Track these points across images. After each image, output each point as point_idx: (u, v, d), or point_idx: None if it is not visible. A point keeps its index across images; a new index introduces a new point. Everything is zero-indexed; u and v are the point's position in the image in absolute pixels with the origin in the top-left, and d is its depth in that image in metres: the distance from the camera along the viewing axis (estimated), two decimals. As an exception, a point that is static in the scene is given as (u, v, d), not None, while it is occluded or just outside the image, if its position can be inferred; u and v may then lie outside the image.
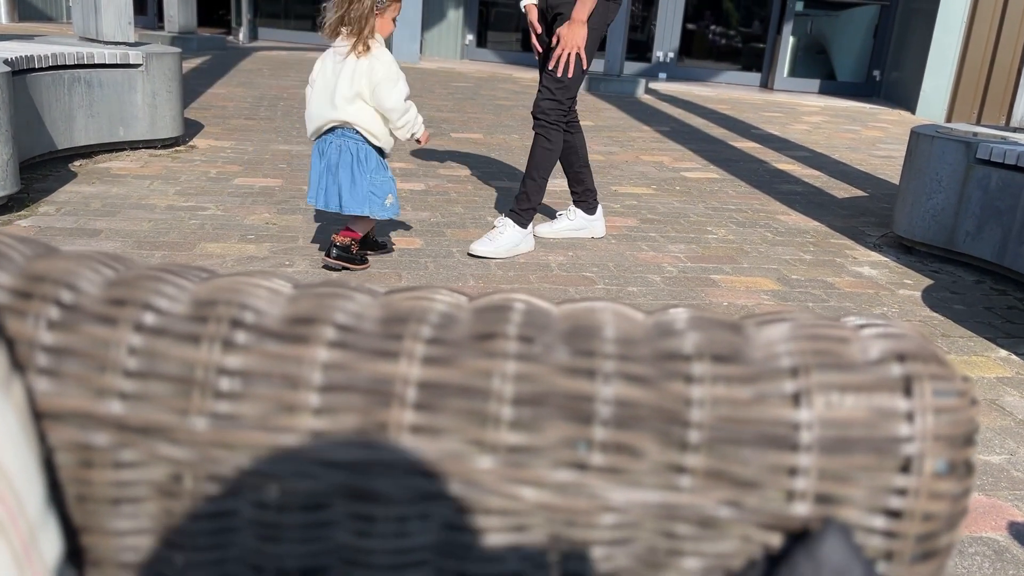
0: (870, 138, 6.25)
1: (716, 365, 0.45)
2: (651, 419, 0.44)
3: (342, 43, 2.59)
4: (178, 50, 4.18)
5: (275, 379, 0.44)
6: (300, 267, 2.76)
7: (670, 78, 8.67)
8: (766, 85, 8.71)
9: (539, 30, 3.04)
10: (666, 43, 8.76)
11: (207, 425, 0.44)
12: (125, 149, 4.02)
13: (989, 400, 2.20)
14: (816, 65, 8.78)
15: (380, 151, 2.68)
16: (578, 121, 3.16)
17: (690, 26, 9.05)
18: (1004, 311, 2.89)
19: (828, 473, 0.44)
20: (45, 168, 3.61)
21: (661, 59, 8.78)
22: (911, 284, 3.10)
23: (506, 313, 0.47)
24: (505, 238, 2.97)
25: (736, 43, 9.33)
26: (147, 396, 0.44)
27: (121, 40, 4.00)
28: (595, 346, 0.45)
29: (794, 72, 8.68)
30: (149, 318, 0.45)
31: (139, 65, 3.90)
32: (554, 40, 2.89)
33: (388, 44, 2.86)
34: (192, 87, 5.82)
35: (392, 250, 2.98)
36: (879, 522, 0.44)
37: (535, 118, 2.97)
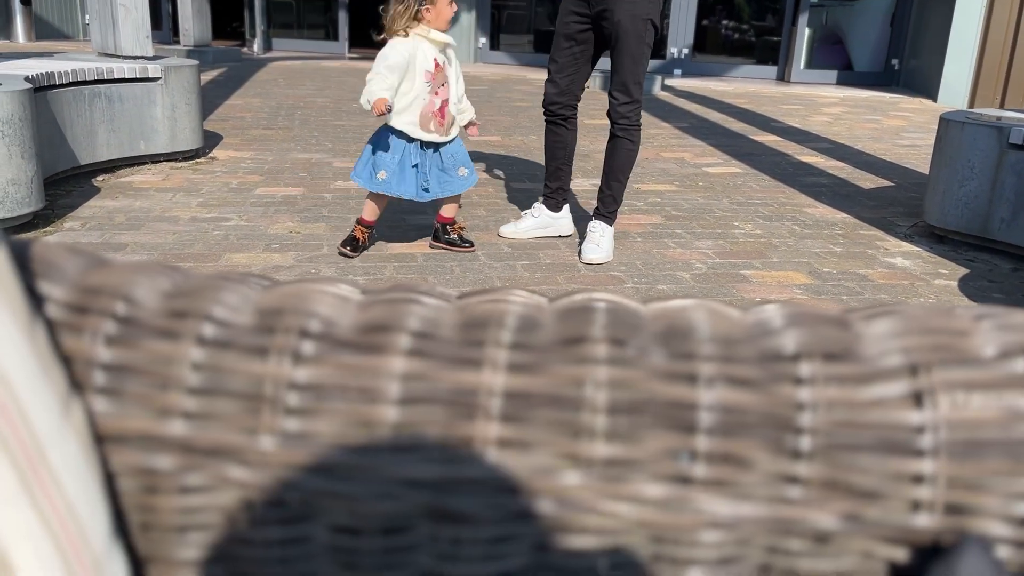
0: (893, 127, 6.16)
1: (826, 364, 0.41)
2: (759, 426, 0.41)
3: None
4: (195, 62, 4.18)
5: (349, 392, 0.41)
6: (327, 275, 2.74)
7: (685, 74, 8.61)
8: (783, 78, 8.63)
9: None
10: (680, 39, 8.70)
11: (277, 444, 0.41)
12: (146, 163, 4.02)
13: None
14: (833, 56, 8.68)
15: (391, 128, 2.74)
16: (576, 118, 3.12)
17: (704, 22, 8.98)
18: (1045, 299, 2.82)
19: (957, 480, 0.40)
20: (68, 184, 3.62)
21: (676, 55, 8.72)
22: (946, 274, 3.03)
23: (592, 314, 0.43)
24: (607, 240, 3.00)
25: (750, 37, 9.25)
26: (213, 415, 0.41)
27: (140, 54, 4.00)
28: (693, 348, 0.42)
29: (811, 64, 8.59)
30: (211, 330, 0.42)
31: (158, 79, 3.91)
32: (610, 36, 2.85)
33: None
34: (209, 99, 5.84)
35: (470, 246, 3.01)
36: (1019, 534, 0.40)
37: (615, 124, 2.93)
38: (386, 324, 0.42)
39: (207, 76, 6.93)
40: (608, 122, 2.99)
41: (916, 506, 0.41)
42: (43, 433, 0.36)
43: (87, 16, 9.13)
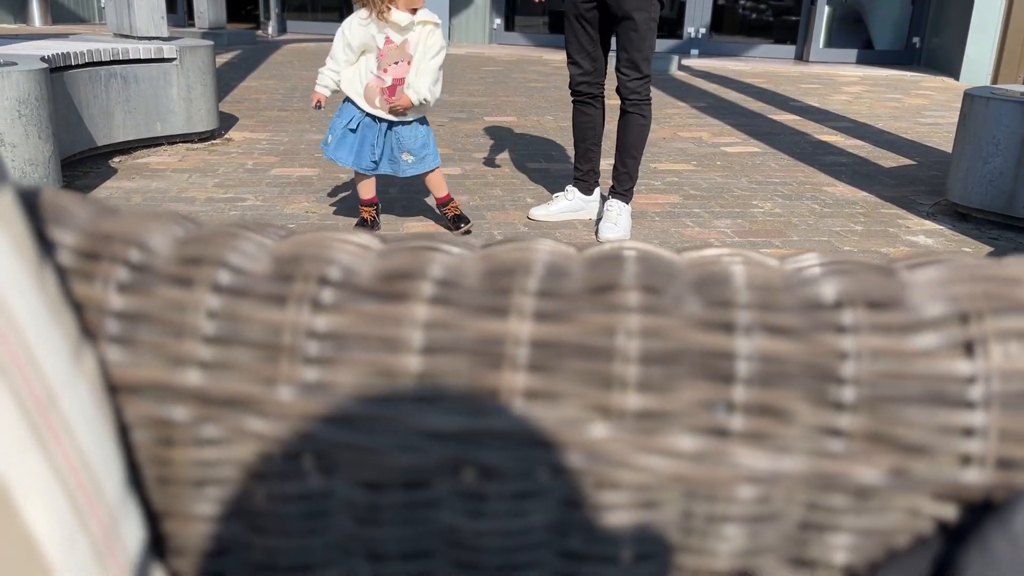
0: (914, 106, 6.07)
1: (870, 312, 0.39)
2: (799, 376, 0.39)
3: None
4: (210, 43, 4.17)
5: (370, 342, 0.39)
6: (342, 254, 2.73)
7: (702, 54, 8.51)
8: (801, 57, 8.52)
9: None
10: (697, 19, 8.59)
11: (296, 395, 0.39)
12: (162, 144, 4.02)
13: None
14: (853, 34, 8.55)
15: (350, 100, 2.77)
16: (603, 97, 3.08)
17: (721, 1, 8.87)
18: (1071, 277, 2.76)
19: (1010, 433, 0.38)
20: (85, 165, 3.62)
21: (693, 35, 8.62)
22: (970, 252, 2.98)
23: (624, 262, 0.41)
24: (624, 218, 2.98)
25: (768, 16, 9.13)
26: (229, 364, 0.39)
27: (155, 35, 3.99)
28: (730, 295, 0.40)
29: (830, 43, 8.47)
30: (227, 278, 0.40)
31: (173, 59, 3.90)
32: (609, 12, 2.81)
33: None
34: (225, 81, 5.83)
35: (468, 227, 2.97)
36: (1077, 487, 0.38)
37: (625, 100, 2.90)
38: (408, 271, 0.41)
39: (222, 58, 6.92)
40: (618, 100, 2.95)
41: (966, 460, 0.39)
42: (54, 380, 0.35)
43: (102, -1, 9.13)
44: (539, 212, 3.15)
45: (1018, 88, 3.52)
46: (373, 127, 2.77)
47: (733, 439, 0.39)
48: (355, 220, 2.96)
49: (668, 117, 5.27)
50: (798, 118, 5.45)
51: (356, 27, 2.68)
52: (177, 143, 4.07)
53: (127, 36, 4.04)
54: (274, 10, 8.93)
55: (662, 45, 8.18)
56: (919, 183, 3.93)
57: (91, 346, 0.38)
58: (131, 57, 3.75)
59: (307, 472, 0.40)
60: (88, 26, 8.78)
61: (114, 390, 0.39)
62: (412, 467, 0.40)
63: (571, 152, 4.29)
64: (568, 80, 3.05)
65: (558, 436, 0.39)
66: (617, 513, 0.40)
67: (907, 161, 4.38)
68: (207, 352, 0.39)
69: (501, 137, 4.52)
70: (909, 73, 7.74)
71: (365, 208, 2.91)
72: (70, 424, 0.35)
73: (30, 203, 0.41)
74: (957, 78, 7.33)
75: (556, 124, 4.88)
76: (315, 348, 0.39)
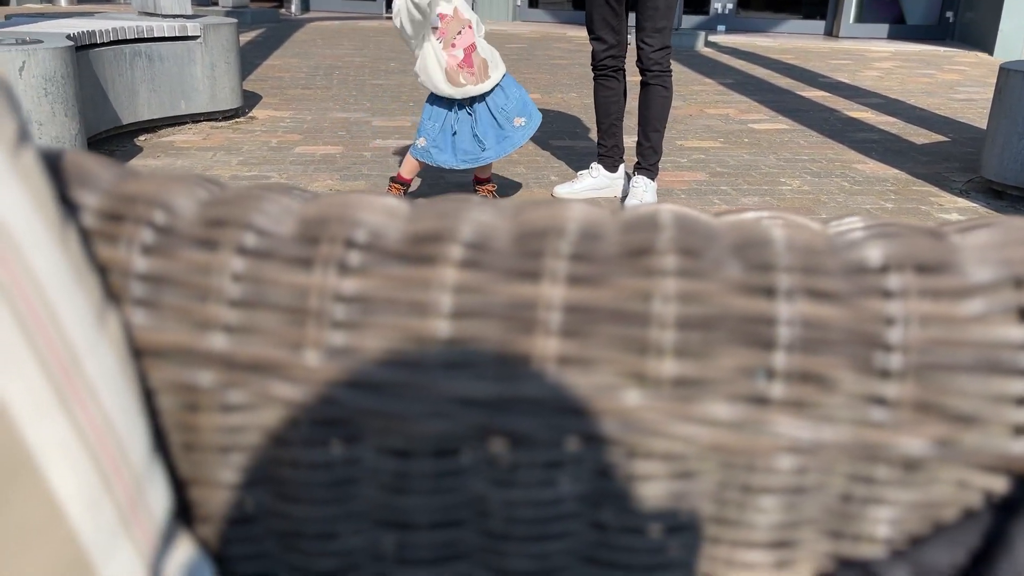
0: (947, 82, 5.94)
1: (920, 277, 0.38)
2: (843, 342, 0.37)
3: None
4: (234, 21, 4.17)
5: (399, 306, 0.38)
6: (366, 231, 2.73)
7: (729, 30, 8.38)
8: (831, 33, 8.35)
9: None
10: (724, -6, 8.45)
11: (323, 360, 0.38)
12: (187, 122, 4.03)
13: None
14: (884, 9, 8.37)
15: (433, 93, 2.69)
16: (625, 70, 3.04)
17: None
18: (1110, 255, 2.69)
19: (1066, 402, 0.36)
20: (111, 143, 3.64)
21: (720, 11, 8.48)
22: (1004, 230, 2.91)
23: (660, 225, 0.40)
24: (650, 195, 2.95)
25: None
26: (255, 328, 0.38)
27: (179, 13, 4.00)
28: (771, 259, 0.38)
29: (861, 18, 8.30)
30: (252, 240, 0.39)
31: (197, 37, 3.90)
32: None
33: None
34: (248, 59, 5.83)
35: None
36: None
37: (647, 71, 2.86)
38: (437, 234, 0.39)
39: (245, 37, 6.93)
40: (638, 75, 2.91)
41: (1019, 431, 0.37)
42: (78, 343, 0.34)
43: (127, -21, 9.14)
44: (563, 190, 3.12)
45: (1056, 61, 3.42)
46: (467, 119, 2.72)
47: (773, 407, 0.38)
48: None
49: (694, 94, 5.20)
50: (828, 94, 5.35)
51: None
52: (201, 121, 4.08)
53: (151, 14, 4.04)
54: (297, -12, 8.91)
55: (688, 21, 8.06)
56: (952, 160, 3.84)
57: (115, 309, 0.38)
58: (155, 35, 3.76)
59: (334, 439, 0.39)
60: (113, 5, 8.82)
61: (138, 354, 0.38)
62: (441, 435, 0.39)
63: (595, 129, 4.26)
64: (590, 55, 3.02)
65: (591, 404, 0.38)
66: (651, 484, 0.39)
67: (940, 137, 4.29)
68: (232, 316, 0.38)
69: (525, 114, 4.48)
70: (942, 48, 7.57)
71: (397, 186, 2.89)
72: (94, 388, 0.34)
73: (53, 165, 0.40)
74: (991, 53, 7.16)
75: (580, 101, 4.83)
76: (342, 312, 0.38)
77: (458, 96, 2.67)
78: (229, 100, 4.11)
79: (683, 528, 0.40)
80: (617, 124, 3.08)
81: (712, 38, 7.71)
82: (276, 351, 0.38)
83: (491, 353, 0.38)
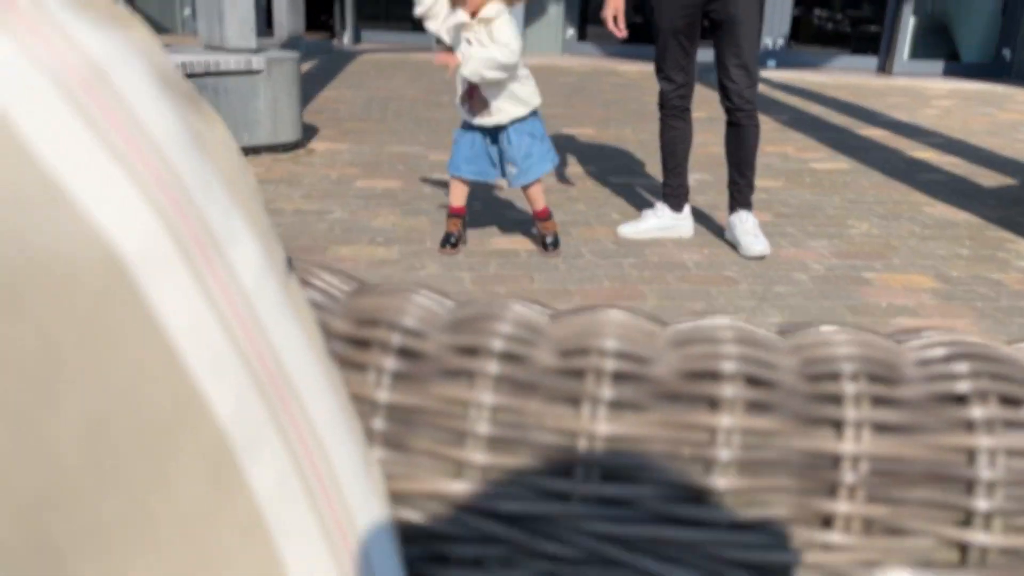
0: (1009, 121, 5.82)
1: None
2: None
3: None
4: (296, 55, 4.23)
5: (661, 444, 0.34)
6: (432, 270, 2.71)
7: (780, 65, 8.33)
8: (884, 69, 8.26)
9: (622, 26, 2.94)
10: (775, 29, 8.41)
11: (589, 509, 0.35)
12: (249, 154, 4.08)
13: None
14: (938, 46, 8.26)
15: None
16: (691, 110, 3.01)
17: (798, 10, 8.67)
18: None
19: None
20: (176, 175, 3.69)
21: (770, 46, 8.44)
22: (1090, 282, 2.81)
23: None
24: (752, 224, 2.93)
25: (846, 27, 8.89)
26: (515, 473, 0.35)
27: (245, 47, 4.06)
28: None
29: (915, 54, 8.19)
30: (508, 369, 0.36)
31: (261, 71, 3.96)
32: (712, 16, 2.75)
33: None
34: (304, 91, 5.91)
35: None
36: None
37: (737, 111, 2.83)
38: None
39: (301, 68, 7.03)
40: (705, 116, 2.87)
41: None
42: (353, 503, 0.31)
43: (186, 9, 9.38)
44: (628, 230, 3.08)
45: None
46: (482, 138, 2.77)
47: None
48: (441, 235, 2.92)
49: (750, 131, 5.15)
50: (887, 133, 5.27)
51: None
52: (263, 153, 4.13)
53: (218, 48, 4.12)
54: (350, 20, 9.06)
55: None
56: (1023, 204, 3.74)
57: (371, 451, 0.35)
58: (222, 69, 3.82)
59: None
60: (172, 36, 9.04)
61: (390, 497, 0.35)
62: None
63: (653, 166, 4.20)
64: (658, 95, 2.99)
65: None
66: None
67: (1008, 180, 4.18)
68: (488, 459, 0.35)
69: (581, 150, 4.47)
70: (1000, 86, 7.44)
71: (455, 220, 2.87)
72: (368, 554, 0.31)
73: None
74: (1052, 91, 7.01)
75: (636, 137, 4.81)
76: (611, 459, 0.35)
77: (465, 118, 2.78)
78: (290, 133, 4.15)
79: None
80: (683, 164, 3.05)
81: (763, 73, 7.67)
82: (541, 504, 0.35)
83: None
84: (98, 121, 0.24)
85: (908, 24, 8.10)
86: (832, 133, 5.21)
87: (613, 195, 3.66)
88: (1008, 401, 0.34)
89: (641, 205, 3.48)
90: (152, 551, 0.22)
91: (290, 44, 7.57)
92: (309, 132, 4.63)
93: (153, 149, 0.26)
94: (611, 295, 2.57)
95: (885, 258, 2.96)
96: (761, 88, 6.92)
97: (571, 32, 8.74)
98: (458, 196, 2.85)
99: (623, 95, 6.29)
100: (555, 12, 8.56)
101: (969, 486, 0.34)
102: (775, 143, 4.85)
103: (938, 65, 8.14)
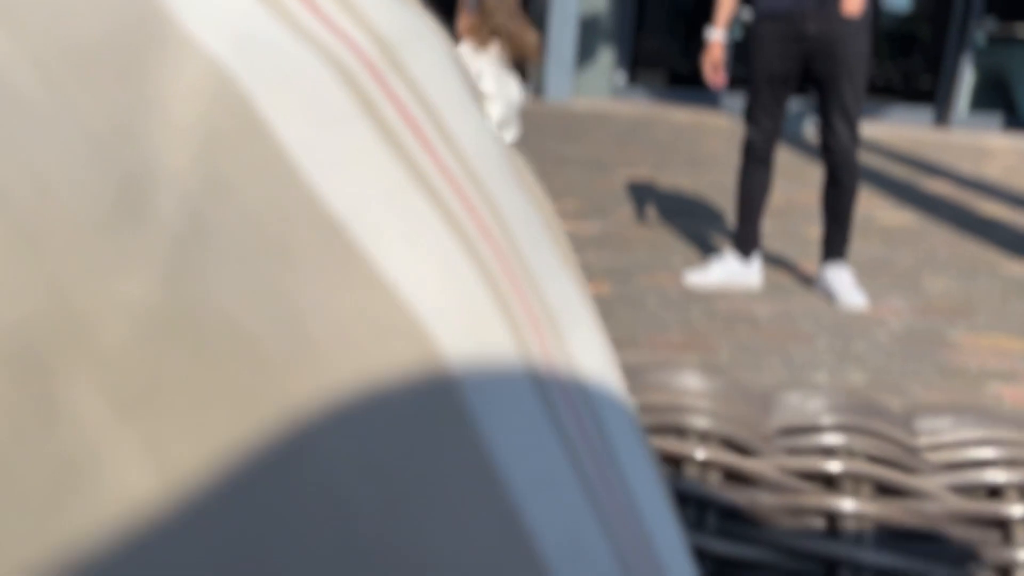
0: (1078, 179, 5.63)
1: None
2: None
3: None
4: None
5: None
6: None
7: (833, 115, 8.20)
8: (941, 121, 8.10)
9: (721, 75, 2.89)
10: (828, 79, 8.31)
11: None
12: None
13: None
14: (997, 100, 8.10)
15: None
16: (774, 157, 2.92)
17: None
18: None
19: None
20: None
21: (823, 96, 8.33)
22: None
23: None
24: (849, 276, 2.85)
25: (899, 79, 8.77)
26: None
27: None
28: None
29: (973, 107, 8.04)
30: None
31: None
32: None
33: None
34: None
35: None
36: None
37: (840, 167, 2.74)
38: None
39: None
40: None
41: None
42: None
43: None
44: (696, 278, 2.97)
45: None
46: None
47: None
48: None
49: (810, 182, 5.03)
50: (952, 187, 5.12)
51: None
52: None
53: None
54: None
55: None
56: (1106, 265, 3.56)
57: None
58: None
59: None
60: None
61: None
62: None
63: (713, 212, 4.11)
64: (743, 140, 2.91)
65: None
66: None
67: (1086, 239, 4.00)
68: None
69: (638, 195, 4.39)
70: (1062, 142, 7.24)
71: None
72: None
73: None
74: (1119, 149, 6.80)
75: (692, 183, 4.72)
76: None
77: None
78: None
79: None
80: (759, 211, 2.94)
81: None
82: None
83: None
84: (395, 130, 0.15)
85: (965, 77, 7.96)
86: (892, 186, 5.07)
87: (673, 241, 3.56)
88: None
89: (702, 251, 3.38)
90: None
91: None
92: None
93: (467, 174, 0.17)
94: (681, 347, 2.45)
95: (968, 317, 2.81)
96: (814, 137, 6.82)
97: (621, 77, 8.73)
98: None
99: (677, 140, 6.21)
100: (605, 57, 8.56)
101: None
102: (836, 194, 4.73)
103: (997, 119, 7.97)
